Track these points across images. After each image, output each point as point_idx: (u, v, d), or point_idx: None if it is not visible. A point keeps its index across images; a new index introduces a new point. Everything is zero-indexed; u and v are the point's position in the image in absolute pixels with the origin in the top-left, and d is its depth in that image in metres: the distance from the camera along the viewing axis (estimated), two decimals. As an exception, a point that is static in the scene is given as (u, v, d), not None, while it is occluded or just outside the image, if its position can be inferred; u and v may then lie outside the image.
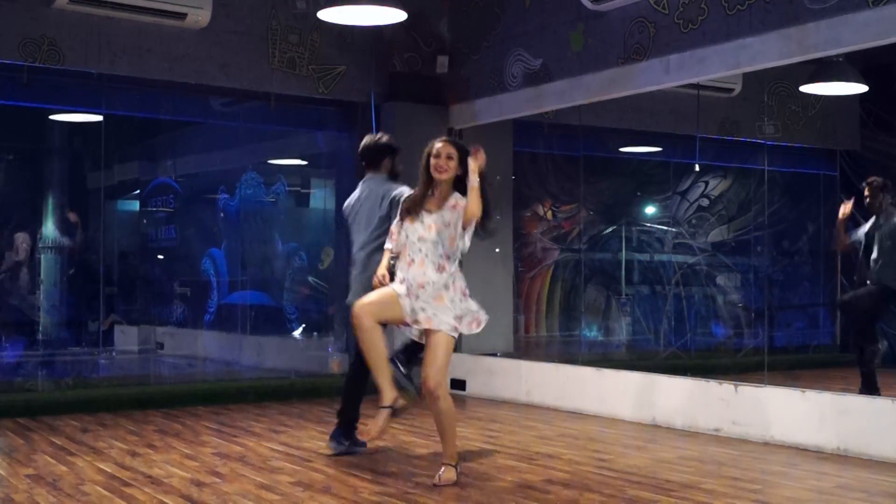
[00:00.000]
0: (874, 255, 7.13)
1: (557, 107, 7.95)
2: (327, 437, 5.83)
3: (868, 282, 7.21)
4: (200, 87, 8.25)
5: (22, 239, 10.16)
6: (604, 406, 7.40)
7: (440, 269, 4.88)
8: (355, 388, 5.82)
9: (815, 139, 9.99)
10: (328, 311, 10.00)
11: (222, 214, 11.60)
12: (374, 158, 5.89)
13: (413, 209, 5.00)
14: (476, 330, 4.97)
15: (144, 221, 12.23)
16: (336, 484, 4.92)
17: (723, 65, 6.51)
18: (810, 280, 11.00)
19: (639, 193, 11.20)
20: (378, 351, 4.98)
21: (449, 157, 4.97)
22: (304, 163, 11.30)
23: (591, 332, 10.64)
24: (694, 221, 10.88)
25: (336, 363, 9.08)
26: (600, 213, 10.78)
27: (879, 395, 6.53)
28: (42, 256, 10.76)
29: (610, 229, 10.76)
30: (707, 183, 10.82)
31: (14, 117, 9.22)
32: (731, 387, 6.53)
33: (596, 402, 7.47)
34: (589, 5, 7.27)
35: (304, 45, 8.42)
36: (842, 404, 5.95)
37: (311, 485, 4.91)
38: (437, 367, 4.83)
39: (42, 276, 10.73)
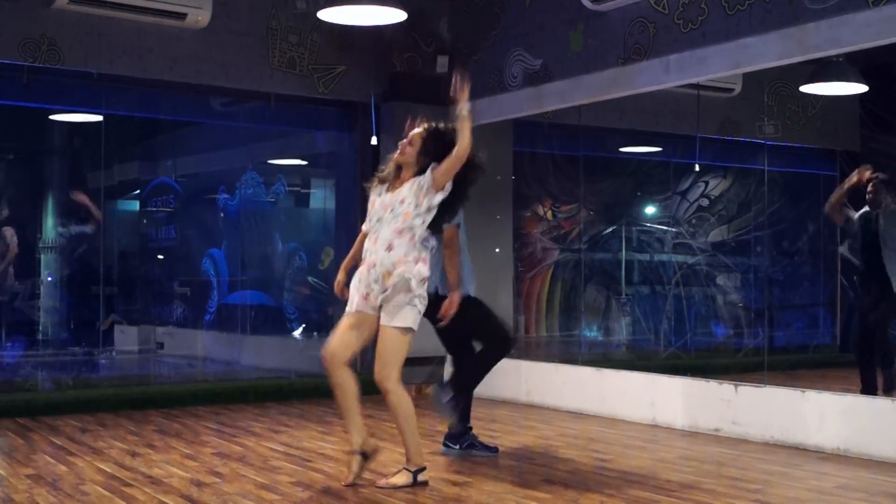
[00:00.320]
0: (885, 257, 7.08)
1: (557, 107, 7.94)
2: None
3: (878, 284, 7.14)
4: (200, 87, 8.25)
5: (10, 234, 10.06)
6: (604, 406, 7.40)
7: (389, 248, 4.76)
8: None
9: (815, 139, 9.98)
10: (328, 311, 10.00)
11: (222, 214, 11.60)
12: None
13: (376, 189, 4.99)
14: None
15: (144, 221, 12.23)
16: (336, 484, 4.92)
17: (723, 65, 6.51)
18: (810, 280, 11.00)
19: (639, 193, 11.20)
20: (349, 395, 4.98)
21: (410, 143, 4.99)
22: (304, 163, 11.30)
23: (591, 332, 10.64)
24: (694, 221, 10.88)
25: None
26: (600, 213, 10.78)
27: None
28: (42, 256, 10.76)
29: (610, 229, 10.76)
30: (707, 183, 10.82)
31: (14, 117, 9.22)
32: (731, 387, 6.53)
33: (596, 402, 7.47)
34: (589, 5, 7.27)
35: (304, 45, 8.42)
36: (842, 404, 5.95)
37: (311, 485, 4.91)
38: (382, 361, 4.80)
39: (42, 276, 10.73)
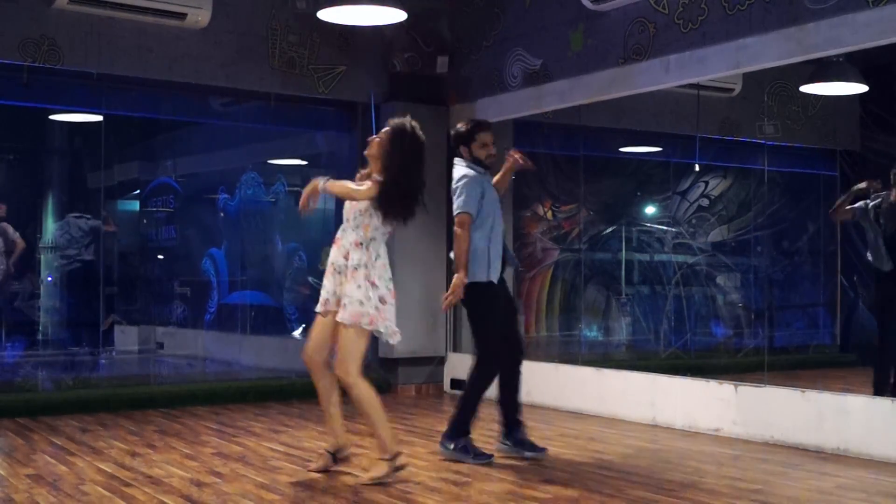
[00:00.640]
0: None
1: (557, 107, 7.94)
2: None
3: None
4: (200, 87, 8.25)
5: (11, 230, 10.03)
6: (604, 406, 7.40)
7: (346, 255, 4.93)
8: (507, 392, 5.84)
9: (815, 139, 9.98)
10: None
11: (222, 214, 11.60)
12: (454, 148, 5.94)
13: None
14: (371, 327, 4.87)
15: (144, 221, 12.22)
16: (336, 484, 4.92)
17: (723, 65, 6.51)
18: (810, 280, 10.99)
19: (639, 193, 11.20)
20: (324, 398, 5.12)
21: (378, 138, 5.16)
22: (304, 163, 11.30)
23: (591, 332, 10.64)
24: (694, 221, 10.87)
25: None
26: (600, 213, 10.77)
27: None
28: (42, 256, 10.75)
29: (610, 229, 10.75)
30: (707, 183, 10.81)
31: (14, 117, 9.21)
32: (731, 387, 6.53)
33: (596, 402, 7.47)
34: (589, 5, 7.27)
35: (304, 45, 8.42)
36: (842, 404, 5.95)
37: (311, 485, 4.91)
38: (339, 357, 4.93)
39: (42, 276, 10.73)
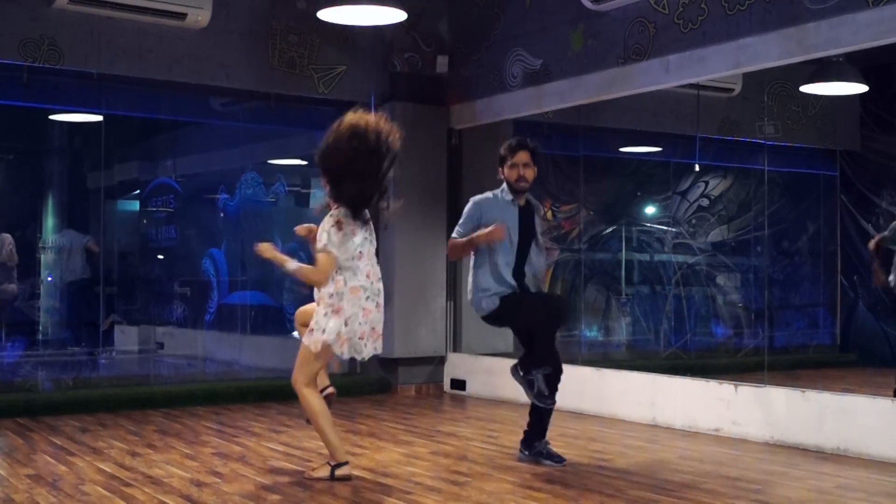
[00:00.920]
0: None
1: (557, 107, 7.94)
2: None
3: None
4: (200, 87, 8.25)
5: (9, 241, 10.00)
6: (604, 406, 7.40)
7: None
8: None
9: (815, 139, 9.98)
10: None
11: (222, 214, 11.60)
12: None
13: None
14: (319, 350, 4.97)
15: (144, 221, 12.22)
16: (336, 484, 4.92)
17: (723, 65, 6.51)
18: (810, 280, 10.99)
19: (639, 193, 11.19)
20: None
21: None
22: (304, 163, 11.29)
23: (591, 332, 10.64)
24: (694, 221, 10.87)
25: (336, 363, 9.07)
26: (600, 213, 10.77)
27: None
28: (42, 257, 10.76)
29: (610, 229, 10.75)
30: (707, 183, 10.81)
31: (14, 117, 9.22)
32: (731, 387, 6.53)
33: (596, 402, 7.47)
34: (589, 5, 7.27)
35: (304, 45, 8.42)
36: (842, 404, 5.95)
37: (311, 485, 4.91)
38: (295, 367, 5.08)
39: (42, 276, 10.73)
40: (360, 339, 5.00)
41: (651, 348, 10.74)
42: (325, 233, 4.98)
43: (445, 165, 8.89)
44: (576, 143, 9.63)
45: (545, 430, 5.57)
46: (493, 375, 8.36)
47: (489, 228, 5.39)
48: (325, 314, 4.96)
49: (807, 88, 8.78)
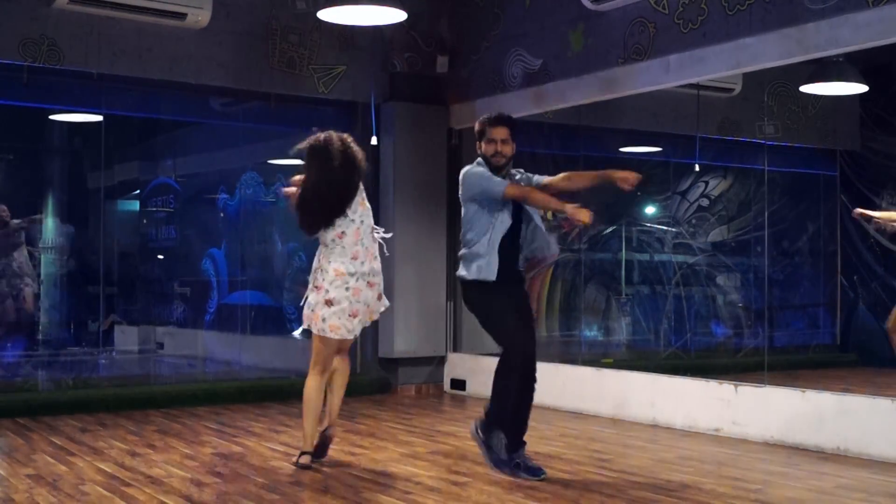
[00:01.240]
0: None
1: (557, 107, 7.95)
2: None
3: None
4: (200, 87, 8.25)
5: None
6: (604, 406, 7.40)
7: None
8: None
9: (815, 139, 9.98)
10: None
11: (222, 214, 11.59)
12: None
13: None
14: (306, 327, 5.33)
15: (144, 221, 12.21)
16: (336, 484, 4.92)
17: (723, 65, 6.51)
18: (810, 280, 10.99)
19: (639, 193, 11.18)
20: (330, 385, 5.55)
21: None
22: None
23: (591, 332, 10.64)
24: (694, 221, 10.87)
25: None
26: (600, 213, 10.76)
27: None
28: (42, 256, 10.74)
29: (610, 229, 10.75)
30: (707, 183, 10.81)
31: (14, 117, 9.20)
32: (731, 387, 6.53)
33: (596, 402, 7.47)
34: (589, 5, 7.27)
35: (304, 45, 8.42)
36: (842, 404, 5.95)
37: (311, 485, 4.91)
38: None
39: (42, 276, 10.71)
40: (351, 316, 5.22)
41: (651, 348, 10.74)
42: None
43: (445, 165, 8.89)
44: (576, 143, 9.63)
45: (521, 437, 5.21)
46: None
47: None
48: (310, 290, 5.31)
49: (807, 88, 8.78)
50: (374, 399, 8.34)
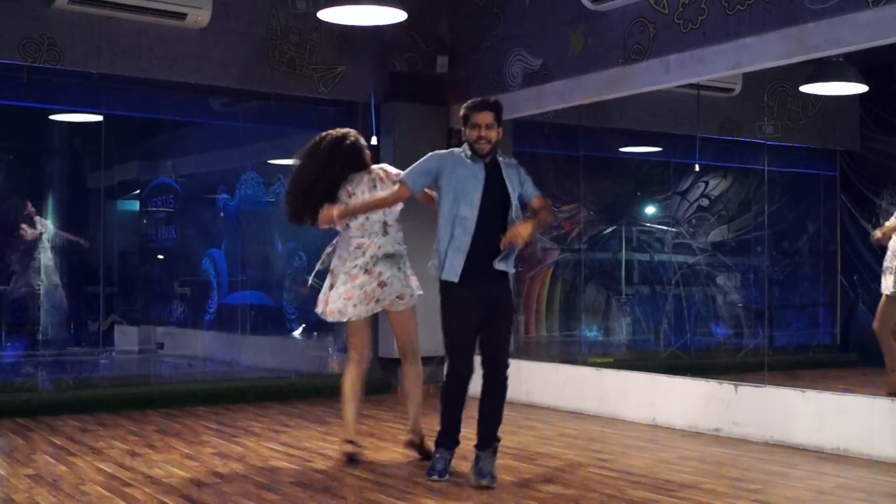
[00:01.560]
0: None
1: (557, 107, 7.94)
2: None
3: None
4: (200, 87, 8.25)
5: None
6: (604, 406, 7.40)
7: None
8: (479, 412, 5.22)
9: (815, 139, 9.97)
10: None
11: (222, 214, 11.59)
12: None
13: None
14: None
15: (144, 221, 12.21)
16: (336, 484, 4.92)
17: (723, 65, 6.51)
18: (810, 280, 10.99)
19: (639, 193, 11.19)
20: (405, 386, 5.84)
21: None
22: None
23: (591, 332, 10.64)
24: (694, 221, 10.87)
25: (336, 363, 9.08)
26: (600, 213, 10.77)
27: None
28: (42, 256, 10.74)
29: (610, 229, 10.75)
30: (707, 183, 10.81)
31: (14, 117, 9.20)
32: (731, 387, 6.53)
33: (596, 402, 7.47)
34: (589, 5, 7.27)
35: (304, 45, 8.42)
36: (842, 404, 5.95)
37: (311, 485, 4.91)
38: None
39: (42, 275, 10.72)
40: (346, 299, 5.40)
41: (651, 348, 10.74)
42: None
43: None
44: (576, 143, 9.63)
45: (487, 437, 5.03)
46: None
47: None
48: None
49: (807, 88, 8.78)
50: (374, 399, 8.33)
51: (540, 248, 10.54)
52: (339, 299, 5.41)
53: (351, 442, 5.47)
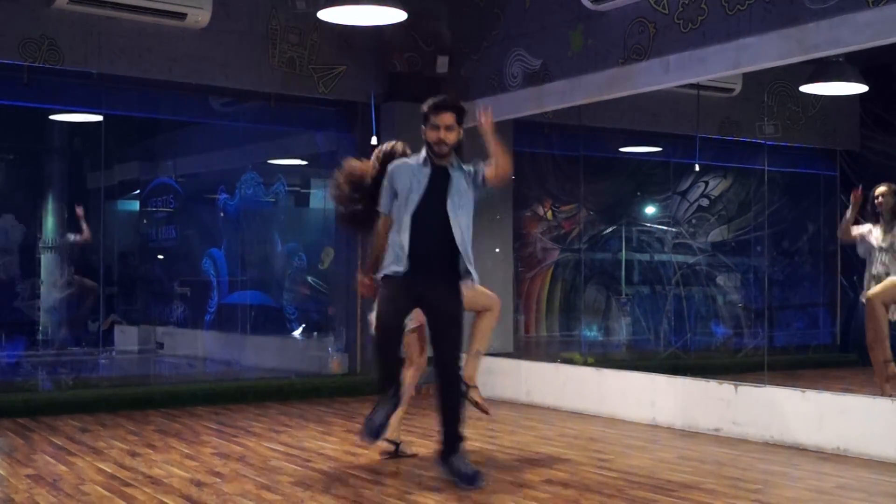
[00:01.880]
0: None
1: (557, 107, 7.94)
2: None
3: None
4: (200, 87, 8.25)
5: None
6: (604, 406, 7.40)
7: None
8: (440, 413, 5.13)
9: (815, 139, 9.98)
10: (328, 310, 10.00)
11: (222, 214, 11.60)
12: None
13: None
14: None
15: (144, 221, 12.22)
16: (336, 484, 4.92)
17: (723, 65, 6.51)
18: (810, 280, 11.00)
19: (639, 193, 11.20)
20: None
21: None
22: (304, 163, 11.30)
23: (591, 332, 10.64)
24: (694, 221, 10.88)
25: (336, 363, 9.08)
26: (600, 213, 10.77)
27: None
28: (42, 256, 10.75)
29: (610, 229, 10.75)
30: (707, 183, 10.82)
31: (14, 117, 9.21)
32: (731, 387, 6.53)
33: (596, 402, 7.47)
34: (589, 5, 7.27)
35: (304, 45, 8.42)
36: (842, 404, 5.95)
37: (311, 485, 4.91)
38: None
39: (42, 275, 10.72)
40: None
41: (651, 348, 10.75)
42: None
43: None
44: (576, 143, 9.64)
45: (452, 441, 4.94)
46: (492, 375, 8.35)
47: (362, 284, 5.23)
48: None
49: (807, 88, 8.78)
50: (375, 399, 8.32)
51: (540, 248, 10.55)
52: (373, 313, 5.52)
53: (390, 441, 5.56)
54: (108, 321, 10.71)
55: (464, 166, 5.03)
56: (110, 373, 9.91)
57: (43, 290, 10.69)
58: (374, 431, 4.97)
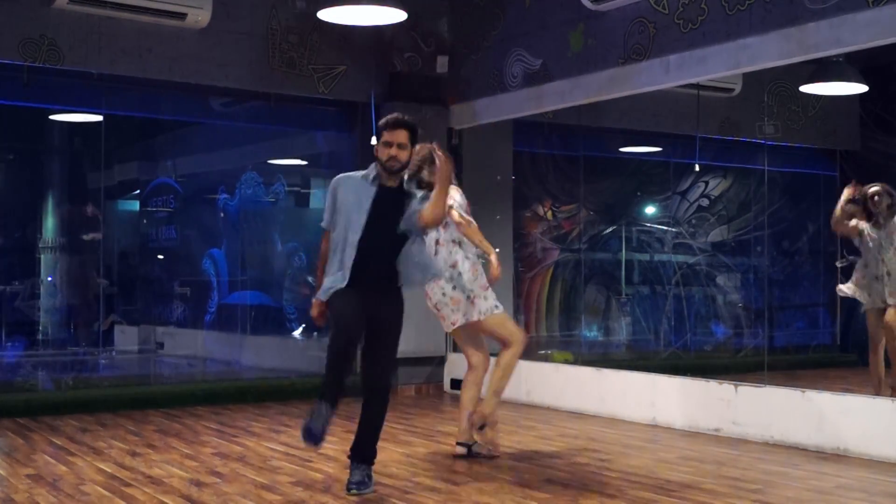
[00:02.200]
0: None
1: (557, 107, 7.94)
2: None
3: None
4: (200, 87, 8.25)
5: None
6: (604, 406, 7.40)
7: None
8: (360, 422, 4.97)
9: (815, 139, 9.98)
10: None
11: (222, 214, 11.60)
12: None
13: None
14: None
15: (144, 221, 12.22)
16: (336, 484, 4.92)
17: (723, 65, 6.51)
18: (810, 280, 10.99)
19: (639, 193, 11.20)
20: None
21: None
22: (304, 163, 11.30)
23: (591, 333, 10.64)
24: (694, 221, 10.88)
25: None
26: (600, 213, 10.77)
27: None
28: (42, 256, 10.75)
29: (610, 229, 10.75)
30: (707, 183, 10.82)
31: (14, 117, 9.21)
32: (731, 387, 6.53)
33: (596, 402, 7.47)
34: (589, 5, 7.27)
35: (304, 45, 8.42)
36: (842, 404, 5.95)
37: (311, 485, 4.91)
38: None
39: (42, 275, 10.72)
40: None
41: (651, 348, 10.75)
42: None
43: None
44: (576, 143, 9.64)
45: (363, 452, 4.78)
46: (492, 376, 8.35)
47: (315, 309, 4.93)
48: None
49: (807, 88, 8.79)
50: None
51: (540, 248, 10.55)
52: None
53: (462, 444, 5.70)
54: (108, 321, 10.71)
55: (412, 190, 4.92)
56: (110, 373, 9.91)
57: (43, 290, 10.69)
58: (316, 438, 4.55)
